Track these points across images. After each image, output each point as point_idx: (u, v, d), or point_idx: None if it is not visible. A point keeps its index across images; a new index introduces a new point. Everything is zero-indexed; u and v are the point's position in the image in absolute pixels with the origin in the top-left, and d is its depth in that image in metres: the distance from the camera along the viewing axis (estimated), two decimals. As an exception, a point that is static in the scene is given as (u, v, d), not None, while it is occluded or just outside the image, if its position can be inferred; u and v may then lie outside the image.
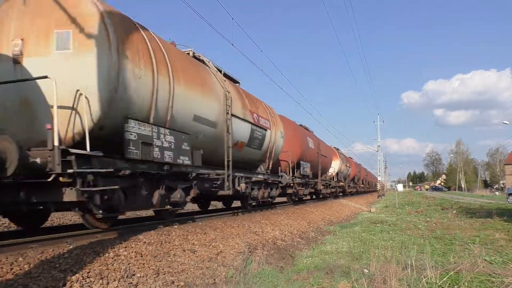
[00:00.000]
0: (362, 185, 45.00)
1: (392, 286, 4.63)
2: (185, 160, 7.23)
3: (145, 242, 5.58)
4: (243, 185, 10.00)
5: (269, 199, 13.18)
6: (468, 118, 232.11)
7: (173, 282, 4.74)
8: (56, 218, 10.79)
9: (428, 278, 4.88)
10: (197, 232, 6.98)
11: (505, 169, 72.67)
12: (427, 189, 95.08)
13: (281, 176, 13.90)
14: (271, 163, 12.69)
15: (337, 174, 27.25)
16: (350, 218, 17.11)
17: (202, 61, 9.27)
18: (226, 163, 8.97)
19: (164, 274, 4.84)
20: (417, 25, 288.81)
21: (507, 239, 8.55)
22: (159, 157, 6.43)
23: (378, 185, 51.08)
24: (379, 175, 52.56)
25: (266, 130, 11.71)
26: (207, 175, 8.39)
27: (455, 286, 4.68)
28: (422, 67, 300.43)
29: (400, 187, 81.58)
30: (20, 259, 4.06)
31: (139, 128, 5.93)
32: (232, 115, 9.31)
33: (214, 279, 5.28)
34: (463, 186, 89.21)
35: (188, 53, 8.98)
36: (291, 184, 15.08)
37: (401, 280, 4.88)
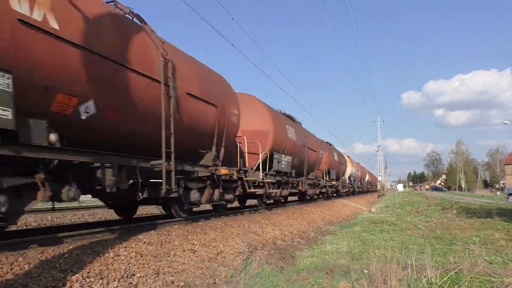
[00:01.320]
0: (360, 185, 43.49)
1: (392, 286, 4.63)
2: None
3: (145, 242, 5.58)
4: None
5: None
6: (468, 118, 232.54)
7: (173, 282, 4.74)
8: (56, 218, 10.79)
9: (428, 278, 4.87)
10: (197, 232, 6.98)
11: (505, 169, 72.75)
12: (427, 189, 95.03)
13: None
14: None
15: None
16: (350, 218, 17.10)
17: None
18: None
19: (164, 274, 4.84)
20: (417, 25, 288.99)
21: (507, 239, 8.54)
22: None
23: (378, 185, 51.09)
24: (379, 175, 52.62)
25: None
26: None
27: (456, 286, 4.67)
28: (422, 67, 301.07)
29: (400, 187, 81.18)
30: (20, 259, 4.06)
31: None
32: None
33: (214, 279, 5.28)
34: (463, 186, 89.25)
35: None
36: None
37: (401, 280, 4.87)
